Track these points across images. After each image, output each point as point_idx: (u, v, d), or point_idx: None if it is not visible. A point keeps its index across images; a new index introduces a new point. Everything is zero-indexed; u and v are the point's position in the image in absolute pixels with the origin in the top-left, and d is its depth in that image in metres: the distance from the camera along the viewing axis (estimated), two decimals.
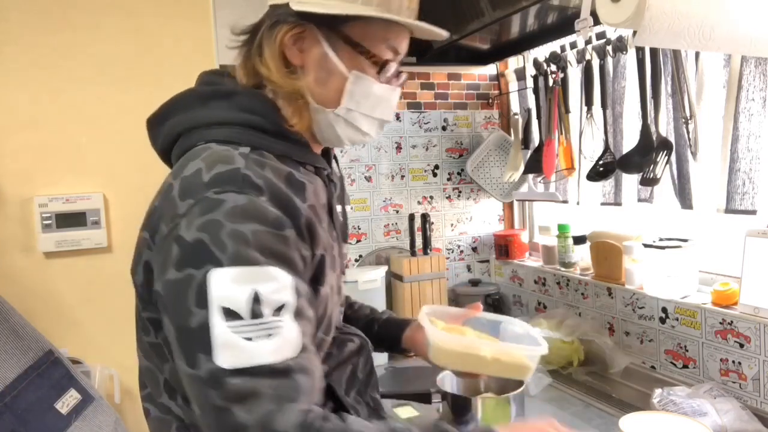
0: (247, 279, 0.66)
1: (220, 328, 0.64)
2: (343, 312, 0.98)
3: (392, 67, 0.84)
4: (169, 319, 0.69)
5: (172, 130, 0.83)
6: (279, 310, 0.67)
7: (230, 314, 0.64)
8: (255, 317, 0.65)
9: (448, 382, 1.40)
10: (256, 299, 0.65)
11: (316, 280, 0.78)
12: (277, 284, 0.68)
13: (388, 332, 1.11)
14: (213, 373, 0.63)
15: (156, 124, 0.86)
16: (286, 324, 0.67)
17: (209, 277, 0.65)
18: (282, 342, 0.66)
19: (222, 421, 0.64)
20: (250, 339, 0.64)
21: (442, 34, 0.87)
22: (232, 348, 0.64)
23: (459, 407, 1.31)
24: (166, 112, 0.85)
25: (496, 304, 2.12)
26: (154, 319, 0.76)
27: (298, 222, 0.73)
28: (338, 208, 0.92)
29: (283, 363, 0.65)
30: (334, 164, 0.95)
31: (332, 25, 0.80)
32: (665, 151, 1.50)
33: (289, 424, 0.64)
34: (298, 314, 0.69)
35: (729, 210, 1.36)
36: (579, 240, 1.88)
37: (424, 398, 1.34)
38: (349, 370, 0.93)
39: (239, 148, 0.75)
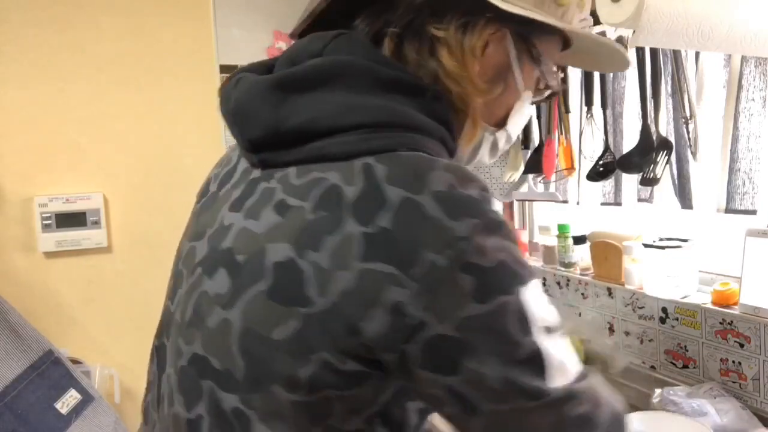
0: (540, 289, 0.59)
1: (550, 351, 0.56)
2: None
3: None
4: (479, 361, 0.54)
5: (330, 115, 0.60)
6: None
7: (549, 331, 0.58)
8: (558, 329, 0.60)
9: None
10: (551, 311, 0.60)
11: None
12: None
13: None
14: (568, 391, 0.57)
15: (287, 89, 0.62)
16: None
17: (523, 297, 0.56)
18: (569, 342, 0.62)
19: (590, 426, 0.59)
20: (569, 352, 0.60)
21: (623, 61, 0.78)
22: (562, 367, 0.58)
23: None
24: (309, 81, 0.62)
25: None
26: (352, 373, 0.56)
27: None
28: None
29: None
30: None
31: (525, 34, 0.68)
32: (665, 151, 1.50)
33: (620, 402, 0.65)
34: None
35: (729, 210, 1.36)
36: (579, 240, 1.88)
37: None
38: None
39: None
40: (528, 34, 0.68)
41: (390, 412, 0.61)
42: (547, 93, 0.75)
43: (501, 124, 0.72)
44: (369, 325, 0.53)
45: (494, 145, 0.74)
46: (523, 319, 0.55)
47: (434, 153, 0.62)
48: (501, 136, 0.73)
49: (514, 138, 0.76)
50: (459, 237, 0.54)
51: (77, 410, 1.53)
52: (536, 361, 0.55)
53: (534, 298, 0.57)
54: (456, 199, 0.56)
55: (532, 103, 0.76)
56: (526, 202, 2.30)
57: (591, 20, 1.07)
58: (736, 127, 1.33)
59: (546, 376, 0.55)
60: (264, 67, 0.69)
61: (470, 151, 0.73)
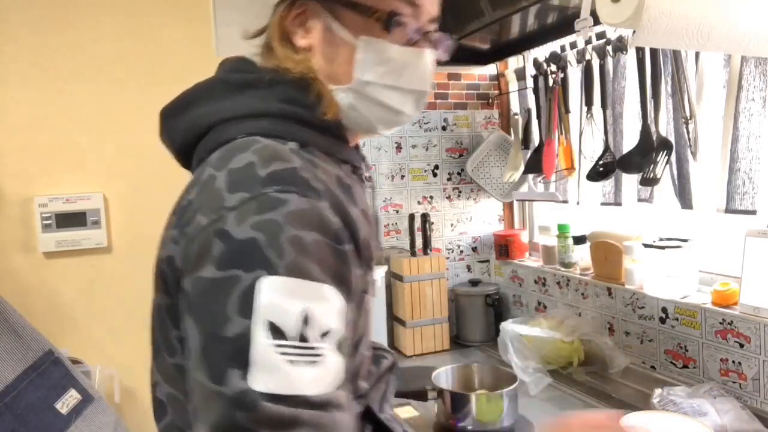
0: (301, 294, 0.56)
1: (262, 345, 0.54)
2: None
3: (408, 22, 0.72)
4: (196, 321, 0.58)
5: (198, 121, 0.72)
6: (324, 335, 0.58)
7: (276, 331, 0.54)
8: (301, 340, 0.55)
9: (443, 378, 1.42)
10: (306, 319, 0.56)
11: (365, 290, 0.71)
12: (329, 306, 0.59)
13: None
14: (245, 394, 0.53)
15: (172, 115, 0.75)
16: (329, 353, 0.58)
17: (260, 284, 0.55)
18: (323, 373, 0.57)
19: None
20: (292, 363, 0.54)
21: None
22: (272, 370, 0.53)
23: (454, 403, 1.33)
24: (186, 102, 0.74)
25: (496, 304, 2.12)
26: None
27: (357, 236, 0.65)
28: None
29: (321, 396, 0.56)
30: (364, 163, 0.84)
31: None
32: (665, 151, 1.50)
33: None
34: (340, 346, 0.60)
35: (729, 210, 1.36)
36: (579, 240, 1.88)
37: (420, 396, 1.36)
38: (383, 387, 0.84)
39: (288, 143, 0.67)
40: None
41: None
42: (417, 27, 0.73)
43: (350, 79, 0.73)
44: (165, 278, 0.64)
45: (372, 101, 0.74)
46: (247, 301, 0.54)
47: (278, 132, 0.68)
48: (367, 89, 0.73)
49: (403, 83, 0.74)
50: (226, 206, 0.59)
51: (77, 410, 1.53)
52: (236, 345, 0.54)
53: (274, 290, 0.55)
54: (242, 175, 0.61)
55: (411, 44, 0.73)
56: (526, 202, 2.30)
57: (591, 20, 1.07)
58: (736, 127, 1.33)
59: (243, 366, 0.53)
60: None
61: (349, 115, 0.74)
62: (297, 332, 0.55)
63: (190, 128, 0.72)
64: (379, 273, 1.97)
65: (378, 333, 1.97)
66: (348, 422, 0.59)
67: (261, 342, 0.54)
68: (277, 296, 0.55)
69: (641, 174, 1.55)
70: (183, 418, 0.66)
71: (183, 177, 0.74)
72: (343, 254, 0.61)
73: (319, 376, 0.56)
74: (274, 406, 0.53)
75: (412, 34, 0.73)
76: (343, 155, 0.74)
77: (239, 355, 0.54)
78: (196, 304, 0.58)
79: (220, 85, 0.74)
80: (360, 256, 0.66)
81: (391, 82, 0.73)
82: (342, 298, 0.60)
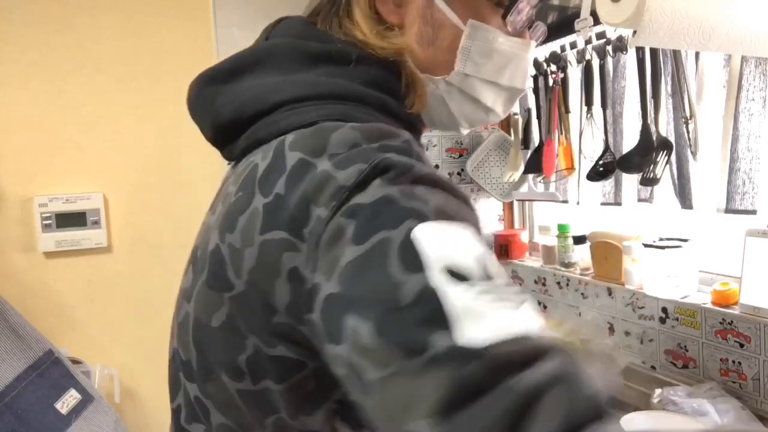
0: (462, 233, 0.46)
1: (454, 295, 0.41)
2: None
3: (525, 9, 0.62)
4: (360, 315, 0.43)
5: (260, 94, 0.58)
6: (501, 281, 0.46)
7: (459, 276, 0.43)
8: (488, 278, 0.44)
9: None
10: (480, 260, 0.45)
11: None
12: (490, 253, 0.47)
13: None
14: (463, 347, 0.39)
15: (222, 81, 0.61)
16: (517, 299, 0.44)
17: (415, 233, 0.44)
18: (532, 313, 0.43)
19: (489, 410, 0.37)
20: (497, 304, 0.42)
21: None
22: (479, 316, 0.41)
23: None
24: (239, 69, 0.61)
25: None
26: (281, 359, 0.52)
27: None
28: None
29: (545, 336, 0.42)
30: None
31: None
32: (665, 151, 1.50)
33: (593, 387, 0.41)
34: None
35: (729, 210, 1.36)
36: (579, 240, 1.88)
37: None
38: None
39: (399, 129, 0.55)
40: None
41: (347, 409, 0.53)
42: (528, 14, 0.64)
43: (450, 69, 0.63)
44: (278, 300, 0.49)
45: (466, 96, 0.64)
46: (410, 256, 0.43)
47: (363, 119, 0.55)
48: (467, 84, 0.63)
49: (504, 80, 0.65)
50: (345, 186, 0.47)
51: (77, 410, 1.53)
52: (426, 304, 0.41)
53: (434, 236, 0.44)
54: (353, 152, 0.49)
55: (520, 35, 0.65)
56: (526, 202, 2.30)
57: (591, 20, 1.07)
58: (736, 127, 1.33)
59: (443, 326, 0.40)
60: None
61: (435, 108, 0.65)
62: (482, 270, 0.44)
63: (249, 101, 0.58)
64: None
65: None
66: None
67: (451, 292, 0.42)
68: (440, 240, 0.44)
69: (641, 174, 1.55)
70: None
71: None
72: (472, 212, 0.52)
73: (530, 315, 0.43)
74: (508, 347, 0.40)
75: (522, 24, 0.63)
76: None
77: (431, 313, 0.41)
78: (352, 296, 0.44)
79: (290, 52, 0.60)
80: None
81: (491, 77, 0.64)
82: None
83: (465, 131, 0.69)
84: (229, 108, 0.59)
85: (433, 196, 0.47)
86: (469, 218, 0.49)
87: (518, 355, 0.39)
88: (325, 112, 0.55)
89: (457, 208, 0.48)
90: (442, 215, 0.46)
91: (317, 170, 0.49)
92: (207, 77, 0.62)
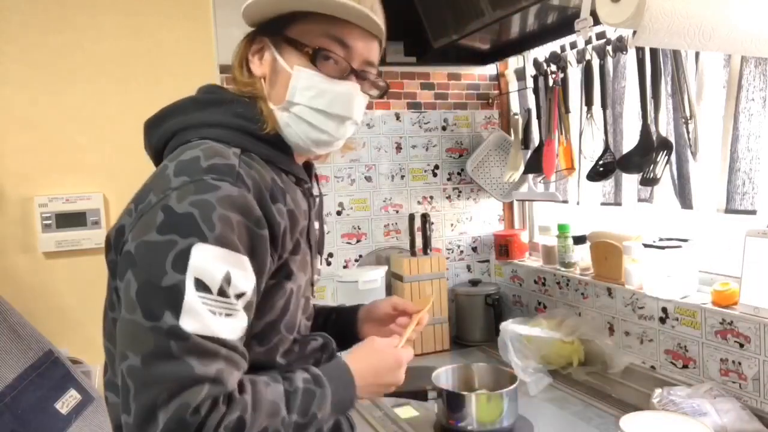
0: (225, 260, 0.71)
1: (191, 296, 0.69)
2: (309, 324, 0.98)
3: (338, 59, 0.86)
4: (135, 274, 0.71)
5: (168, 129, 0.88)
6: (239, 297, 0.73)
7: (202, 286, 0.69)
8: (221, 295, 0.71)
9: (443, 378, 1.42)
10: (227, 280, 0.71)
11: (284, 274, 0.84)
12: (245, 274, 0.74)
13: (345, 317, 1.14)
14: (177, 328, 0.68)
15: (153, 126, 0.91)
16: (240, 310, 0.74)
17: (193, 248, 0.70)
18: (236, 325, 0.73)
19: (174, 370, 0.67)
20: (213, 313, 0.70)
21: (381, 26, 0.90)
22: (197, 316, 0.69)
23: (454, 403, 1.34)
24: (164, 116, 0.90)
25: (496, 304, 2.12)
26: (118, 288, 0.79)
27: (274, 228, 0.79)
28: (315, 224, 0.97)
29: (234, 342, 0.72)
30: (315, 183, 1.00)
31: (276, 31, 0.88)
32: (665, 151, 1.50)
33: (234, 385, 0.71)
34: (248, 308, 0.76)
35: (729, 210, 1.36)
36: (579, 240, 1.88)
37: (420, 396, 1.36)
38: (311, 364, 0.92)
39: (231, 148, 0.81)
40: (278, 30, 0.88)
41: None
42: (347, 67, 0.87)
43: (282, 100, 0.87)
44: (113, 242, 0.79)
45: (303, 121, 0.87)
46: (182, 260, 0.69)
47: (226, 138, 0.83)
48: (299, 110, 0.87)
49: (324, 106, 0.87)
50: (171, 187, 0.74)
51: (77, 410, 1.53)
52: (171, 293, 0.68)
53: (205, 255, 0.70)
54: (187, 164, 0.76)
55: (342, 78, 0.87)
56: (526, 202, 2.30)
57: (591, 20, 1.07)
58: (736, 127, 1.33)
59: (175, 310, 0.68)
60: None
61: (287, 132, 0.88)
62: (218, 289, 0.71)
63: (163, 135, 0.88)
64: (379, 273, 1.97)
65: None
66: (245, 368, 0.75)
67: (190, 293, 0.69)
68: (205, 259, 0.70)
69: (641, 174, 1.55)
70: (112, 367, 0.82)
71: None
72: (259, 236, 0.76)
73: (234, 327, 0.72)
74: (200, 340, 0.68)
75: (341, 69, 0.87)
76: (285, 166, 0.88)
77: (173, 300, 0.68)
78: (138, 261, 0.71)
79: (190, 102, 0.90)
80: (274, 244, 0.79)
81: (317, 106, 0.87)
82: (254, 272, 0.75)
83: (318, 151, 0.92)
84: (155, 139, 0.90)
85: (223, 221, 0.72)
86: (248, 240, 0.75)
87: (202, 348, 0.69)
88: (198, 133, 0.84)
89: (241, 235, 0.73)
90: (220, 242, 0.71)
91: (165, 173, 0.77)
92: (147, 122, 0.92)
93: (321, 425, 0.82)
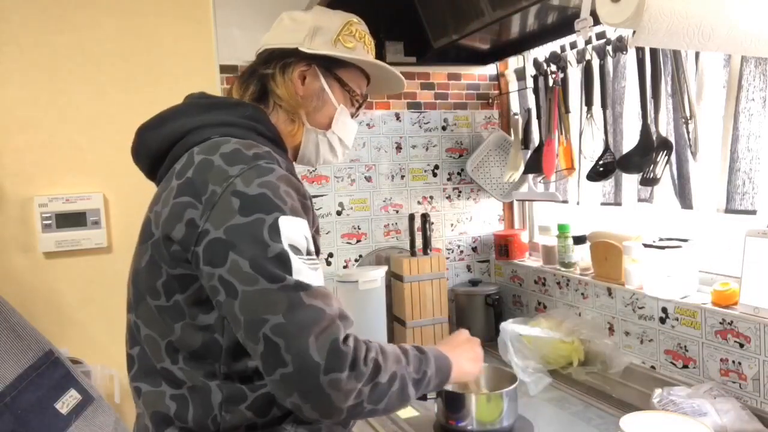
0: (301, 226, 0.84)
1: (293, 258, 0.81)
2: None
3: (361, 107, 1.12)
4: (240, 252, 0.80)
5: (176, 130, 0.94)
6: (315, 253, 0.89)
7: (295, 249, 0.82)
8: (308, 255, 0.84)
9: None
10: (307, 241, 0.85)
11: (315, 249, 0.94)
12: (309, 235, 0.87)
13: None
14: (300, 282, 0.80)
15: (150, 129, 0.98)
16: (318, 264, 0.87)
17: (279, 220, 0.81)
18: (321, 275, 0.86)
19: (311, 315, 0.78)
20: (310, 268, 0.83)
21: (400, 83, 1.16)
22: (304, 272, 0.81)
23: (454, 403, 1.34)
24: (163, 119, 0.97)
25: (496, 304, 2.12)
26: (182, 276, 0.85)
27: (310, 201, 0.93)
28: None
29: (324, 286, 0.85)
30: None
31: (330, 68, 1.05)
32: (665, 151, 1.50)
33: (350, 317, 0.85)
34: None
35: (729, 210, 1.36)
36: (579, 240, 1.88)
37: (420, 396, 1.36)
38: None
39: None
40: (331, 67, 1.06)
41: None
42: (357, 106, 1.12)
43: (327, 128, 1.07)
44: (175, 235, 0.84)
45: (330, 145, 1.09)
46: (275, 231, 0.81)
47: (245, 136, 0.92)
48: (332, 137, 1.08)
49: (347, 141, 1.11)
50: (232, 175, 0.83)
51: (77, 410, 1.53)
52: (281, 258, 0.80)
53: (289, 225, 0.82)
54: (234, 155, 0.86)
55: (355, 118, 1.13)
56: (526, 202, 2.30)
57: (591, 20, 1.07)
58: (736, 127, 1.33)
59: (289, 271, 0.80)
60: None
61: (310, 148, 1.07)
62: (306, 250, 0.84)
63: (168, 136, 0.95)
64: (379, 273, 1.97)
65: (378, 333, 1.97)
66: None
67: (292, 256, 0.81)
68: (290, 228, 0.82)
69: (641, 174, 1.55)
70: (157, 355, 0.89)
71: None
72: (307, 207, 0.90)
73: (321, 276, 0.85)
74: (317, 287, 0.82)
75: (357, 110, 1.13)
76: (288, 169, 0.97)
77: (284, 264, 0.80)
78: (236, 242, 0.80)
79: (192, 106, 0.98)
80: (309, 215, 0.90)
81: (343, 138, 1.10)
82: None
83: (318, 164, 1.12)
84: (157, 142, 0.96)
85: (288, 196, 0.84)
86: (303, 210, 0.87)
87: (321, 292, 0.82)
88: (217, 131, 0.92)
89: (299, 206, 0.86)
90: (293, 212, 0.84)
91: (214, 164, 0.85)
92: (144, 126, 0.99)
93: (427, 391, 0.96)
